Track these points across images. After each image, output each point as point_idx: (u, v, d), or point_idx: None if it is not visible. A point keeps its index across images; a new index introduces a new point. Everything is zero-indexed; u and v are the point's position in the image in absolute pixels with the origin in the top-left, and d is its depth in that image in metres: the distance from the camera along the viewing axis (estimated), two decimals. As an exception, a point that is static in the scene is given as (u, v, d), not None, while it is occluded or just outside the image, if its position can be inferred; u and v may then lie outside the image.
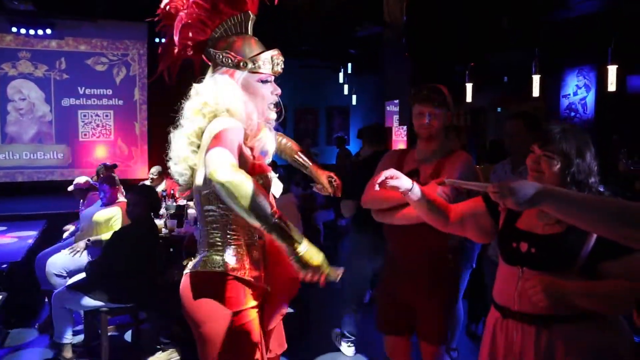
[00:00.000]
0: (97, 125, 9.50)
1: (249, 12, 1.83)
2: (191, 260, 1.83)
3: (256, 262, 1.77)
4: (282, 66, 1.84)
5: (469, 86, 5.46)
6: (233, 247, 1.73)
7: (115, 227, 4.15)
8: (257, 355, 1.73)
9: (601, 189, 1.70)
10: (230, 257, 1.72)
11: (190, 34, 1.83)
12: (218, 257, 1.72)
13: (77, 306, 3.47)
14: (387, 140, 4.31)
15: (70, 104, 9.30)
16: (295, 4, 7.63)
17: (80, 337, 3.77)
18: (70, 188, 5.19)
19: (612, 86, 5.09)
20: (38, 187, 8.94)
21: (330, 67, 10.78)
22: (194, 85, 1.81)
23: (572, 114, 7.48)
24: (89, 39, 9.25)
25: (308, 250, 1.49)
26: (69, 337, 3.48)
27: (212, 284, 1.72)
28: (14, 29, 8.45)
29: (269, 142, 1.83)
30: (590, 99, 7.19)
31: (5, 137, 8.98)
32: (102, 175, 5.48)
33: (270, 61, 1.79)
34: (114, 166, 6.17)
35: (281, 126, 7.44)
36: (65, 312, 3.46)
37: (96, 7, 8.38)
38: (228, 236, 1.73)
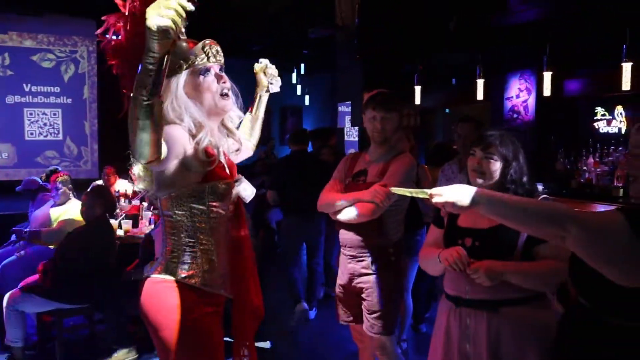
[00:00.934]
0: (45, 124, 9.23)
1: None
2: (152, 263, 1.87)
3: (212, 270, 1.78)
4: (220, 55, 1.82)
5: (417, 88, 5.68)
6: (188, 254, 1.75)
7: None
8: None
9: (539, 187, 1.92)
10: (184, 264, 1.75)
11: (133, 60, 1.75)
12: (172, 264, 1.76)
13: (31, 308, 3.45)
14: (307, 142, 4.83)
15: (15, 101, 9.00)
16: (247, 4, 7.69)
17: (33, 340, 3.74)
18: (19, 188, 5.09)
19: (547, 91, 5.42)
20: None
21: (283, 67, 10.85)
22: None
23: (515, 115, 7.86)
24: (35, 34, 8.98)
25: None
26: (21, 341, 3.45)
27: (166, 290, 1.74)
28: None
29: (215, 137, 1.79)
30: (531, 101, 7.58)
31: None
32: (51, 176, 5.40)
33: (202, 52, 1.77)
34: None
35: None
36: (18, 314, 3.43)
37: (42, 1, 8.16)
38: (183, 242, 1.75)
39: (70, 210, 4.26)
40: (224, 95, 1.80)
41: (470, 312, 1.89)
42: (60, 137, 9.33)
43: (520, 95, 7.76)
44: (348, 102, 6.05)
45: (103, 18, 1.81)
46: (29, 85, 9.04)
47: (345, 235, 2.60)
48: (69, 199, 4.38)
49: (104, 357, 3.53)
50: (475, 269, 1.79)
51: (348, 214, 2.48)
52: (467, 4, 5.25)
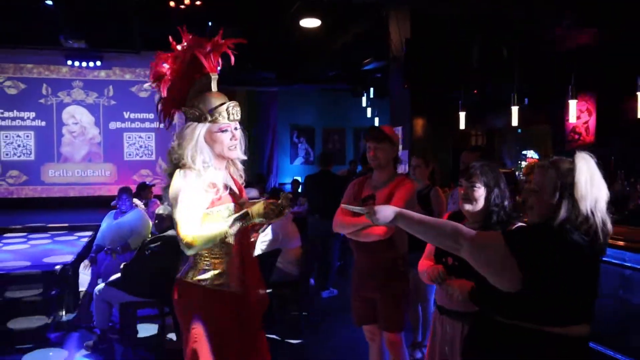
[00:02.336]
0: (140, 146, 10.49)
1: (209, 73, 2.24)
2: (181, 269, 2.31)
3: (223, 274, 2.17)
4: (239, 114, 2.23)
5: (461, 114, 6.04)
6: (204, 261, 2.18)
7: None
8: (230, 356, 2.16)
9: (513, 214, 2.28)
10: (200, 270, 2.18)
11: (173, 92, 2.28)
12: (192, 270, 2.20)
13: (113, 299, 4.25)
14: (330, 164, 6.12)
15: (117, 127, 10.34)
16: (319, 40, 8.41)
17: (115, 326, 4.55)
18: (114, 203, 6.04)
19: (572, 118, 5.55)
20: (87, 201, 9.94)
21: (354, 91, 11.49)
22: (175, 134, 2.24)
23: (577, 136, 7.89)
24: (133, 69, 10.29)
25: (253, 209, 2.08)
26: (106, 325, 4.25)
27: (187, 291, 2.20)
28: (69, 62, 9.55)
29: (220, 182, 2.20)
30: (592, 123, 7.61)
31: (60, 157, 10.07)
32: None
33: (226, 112, 2.17)
34: (152, 185, 7.04)
35: (310, 146, 8.51)
36: (104, 304, 4.24)
37: (138, 41, 9.39)
38: (200, 253, 2.16)
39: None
40: (232, 148, 2.23)
41: (449, 320, 2.28)
42: (153, 157, 10.54)
43: (581, 116, 7.80)
44: (399, 128, 6.51)
45: (158, 53, 2.32)
46: (128, 112, 10.35)
47: (359, 255, 3.08)
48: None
49: (171, 341, 4.25)
50: (448, 286, 2.15)
51: (366, 237, 2.96)
52: (520, 33, 5.55)
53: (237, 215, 2.11)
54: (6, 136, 9.78)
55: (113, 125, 10.32)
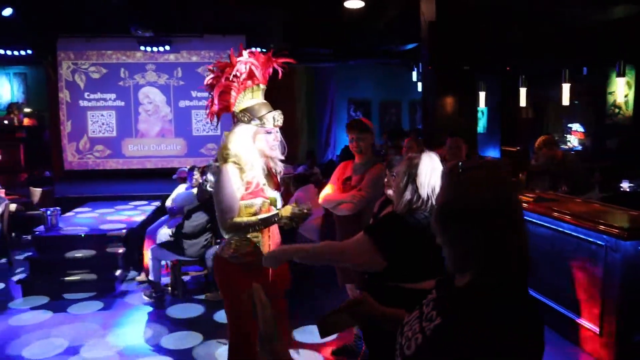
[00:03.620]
0: (207, 123, 11.47)
1: (260, 84, 2.72)
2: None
3: (253, 252, 2.60)
4: (281, 120, 2.69)
5: (482, 94, 6.36)
6: (235, 240, 2.64)
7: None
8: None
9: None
10: (232, 247, 2.63)
11: (225, 97, 2.72)
12: (226, 246, 2.65)
13: (164, 257, 5.18)
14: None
15: (186, 105, 11.39)
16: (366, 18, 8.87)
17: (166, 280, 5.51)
18: (174, 176, 7.00)
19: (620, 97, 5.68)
20: (162, 172, 11.12)
21: (406, 66, 11.82)
22: (225, 133, 2.73)
23: (617, 110, 7.89)
24: (199, 52, 11.24)
25: (282, 212, 2.65)
26: (159, 278, 5.20)
27: (222, 266, 2.69)
28: (142, 48, 10.63)
29: (260, 176, 2.66)
30: (631, 97, 7.58)
31: (137, 133, 11.30)
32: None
33: (272, 119, 2.64)
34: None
35: (367, 118, 9.17)
36: (157, 262, 5.18)
37: (203, 25, 10.29)
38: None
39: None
40: (273, 148, 2.72)
41: None
42: (218, 132, 11.51)
43: (623, 90, 7.77)
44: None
45: (217, 62, 2.79)
46: (195, 92, 11.34)
47: (338, 224, 3.72)
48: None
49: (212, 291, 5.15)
50: None
51: (340, 211, 3.58)
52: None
53: (268, 215, 2.62)
54: (92, 115, 11.12)
55: (182, 103, 11.37)
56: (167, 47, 10.73)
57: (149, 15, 9.21)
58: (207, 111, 2.83)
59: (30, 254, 5.85)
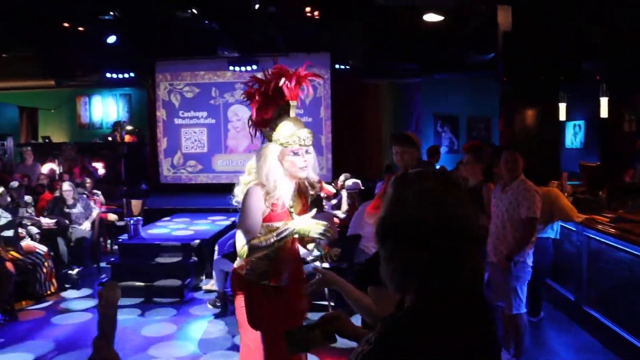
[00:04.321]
0: (291, 138, 11.79)
1: (289, 101, 2.62)
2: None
3: (269, 271, 2.54)
4: (310, 140, 2.56)
5: (562, 105, 5.91)
6: (254, 260, 2.53)
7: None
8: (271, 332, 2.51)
9: None
10: (249, 267, 2.57)
11: (262, 114, 2.65)
12: (244, 265, 2.60)
13: (227, 268, 5.34)
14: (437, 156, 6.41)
15: (271, 122, 11.76)
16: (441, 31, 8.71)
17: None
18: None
19: None
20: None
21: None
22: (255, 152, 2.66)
23: None
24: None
25: (297, 224, 2.47)
26: (222, 288, 5.37)
27: (236, 281, 2.66)
28: (231, 67, 11.18)
29: (286, 198, 2.58)
30: None
31: (226, 149, 11.85)
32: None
33: (298, 139, 2.52)
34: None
35: (454, 135, 9.02)
36: (220, 272, 5.36)
37: (287, 44, 10.61)
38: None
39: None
40: (303, 168, 2.55)
41: None
42: (302, 148, 11.75)
43: None
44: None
45: (253, 76, 2.75)
46: (281, 108, 11.69)
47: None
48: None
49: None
50: None
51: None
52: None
53: (282, 230, 2.47)
54: (186, 132, 11.84)
55: (268, 120, 11.76)
56: (254, 67, 11.17)
57: (237, 36, 9.69)
58: (249, 129, 2.77)
59: (112, 260, 6.31)
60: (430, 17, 8.30)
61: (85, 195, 7.49)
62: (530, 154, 5.21)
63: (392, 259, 1.10)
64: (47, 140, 11.30)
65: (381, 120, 12.45)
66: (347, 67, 11.47)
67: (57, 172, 9.92)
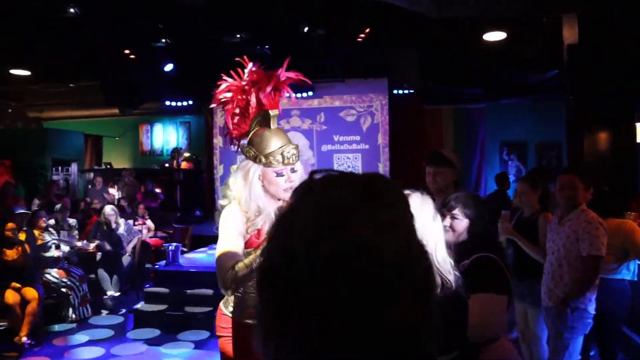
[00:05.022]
0: (348, 167, 11.40)
1: (269, 110, 2.25)
2: None
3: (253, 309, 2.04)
4: (296, 158, 2.15)
5: (638, 125, 5.14)
6: (236, 294, 2.16)
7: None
8: None
9: None
10: (232, 302, 2.23)
11: (237, 121, 2.34)
12: (226, 300, 2.29)
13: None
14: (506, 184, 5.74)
15: (328, 149, 11.46)
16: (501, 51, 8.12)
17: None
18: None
19: None
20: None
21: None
22: (232, 167, 2.32)
23: None
24: (341, 96, 11.30)
25: None
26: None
27: (221, 318, 2.31)
28: (287, 94, 11.00)
29: (266, 222, 2.13)
30: None
31: (282, 176, 11.64)
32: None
33: (280, 156, 2.10)
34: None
35: (522, 163, 8.47)
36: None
37: (345, 70, 10.34)
38: None
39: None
40: (287, 190, 2.11)
41: None
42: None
43: None
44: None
45: (220, 81, 2.39)
46: (337, 136, 11.38)
47: None
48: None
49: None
50: None
51: None
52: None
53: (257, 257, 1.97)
54: (241, 159, 11.75)
55: (324, 147, 11.46)
56: (310, 93, 10.97)
57: (293, 62, 9.51)
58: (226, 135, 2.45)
59: (147, 286, 6.12)
60: (491, 36, 7.76)
61: (131, 221, 7.45)
62: (602, 182, 4.52)
63: (265, 305, 0.70)
64: (108, 167, 11.60)
65: (443, 148, 11.84)
66: (406, 92, 11.02)
67: (116, 197, 10.09)
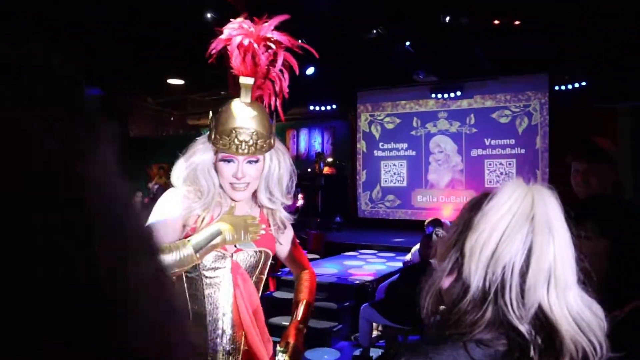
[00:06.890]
0: (501, 173, 10.30)
1: (242, 76, 1.67)
2: None
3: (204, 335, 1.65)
4: (247, 147, 1.60)
5: None
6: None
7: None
8: None
9: None
10: None
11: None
12: None
13: (373, 319, 4.44)
14: None
15: (478, 154, 10.48)
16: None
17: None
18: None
19: None
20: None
21: None
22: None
23: None
24: (494, 95, 10.25)
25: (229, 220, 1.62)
26: (367, 342, 4.47)
27: None
28: (433, 95, 10.31)
29: (218, 212, 1.67)
30: None
31: (427, 183, 10.93)
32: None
33: (229, 141, 1.60)
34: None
35: None
36: (366, 323, 4.48)
37: (497, 65, 9.30)
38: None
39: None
40: (236, 187, 1.64)
41: None
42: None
43: None
44: None
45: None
46: (489, 139, 10.35)
47: None
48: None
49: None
50: None
51: None
52: None
53: (203, 232, 1.57)
54: (385, 165, 11.30)
55: (474, 152, 10.51)
56: (459, 93, 10.13)
57: (433, 58, 8.82)
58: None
59: (267, 294, 5.94)
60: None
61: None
62: None
63: None
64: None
65: (621, 152, 10.10)
66: (571, 87, 9.56)
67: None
